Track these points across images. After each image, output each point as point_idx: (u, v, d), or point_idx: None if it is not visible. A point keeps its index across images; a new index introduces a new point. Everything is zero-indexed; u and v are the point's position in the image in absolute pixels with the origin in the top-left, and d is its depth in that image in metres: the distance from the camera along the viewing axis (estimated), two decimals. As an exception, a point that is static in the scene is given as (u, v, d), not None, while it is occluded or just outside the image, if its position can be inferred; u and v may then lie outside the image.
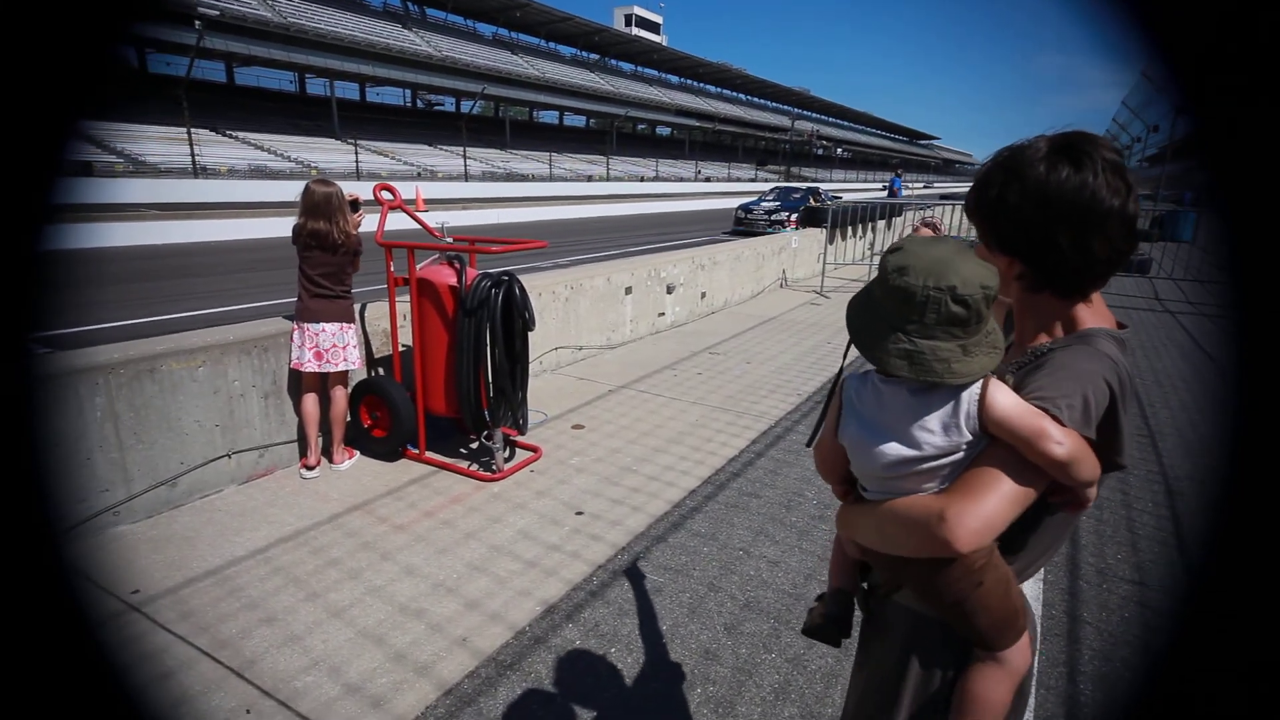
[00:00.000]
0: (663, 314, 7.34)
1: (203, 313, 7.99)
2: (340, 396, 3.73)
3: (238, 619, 2.56)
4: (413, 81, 48.01)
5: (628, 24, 71.35)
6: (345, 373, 3.72)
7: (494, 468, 3.77)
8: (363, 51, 43.56)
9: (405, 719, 2.13)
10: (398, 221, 4.18)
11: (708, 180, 56.58)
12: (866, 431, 1.01)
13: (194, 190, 24.68)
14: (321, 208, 3.47)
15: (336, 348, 3.59)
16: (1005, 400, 0.92)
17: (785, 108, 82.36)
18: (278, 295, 8.81)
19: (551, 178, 47.72)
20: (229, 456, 3.52)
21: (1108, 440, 0.92)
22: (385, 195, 3.92)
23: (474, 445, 4.19)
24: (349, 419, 3.87)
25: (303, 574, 2.85)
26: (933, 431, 0.95)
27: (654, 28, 74.50)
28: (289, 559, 2.95)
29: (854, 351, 1.05)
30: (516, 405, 3.80)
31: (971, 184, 1.10)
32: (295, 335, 3.57)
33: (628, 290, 6.62)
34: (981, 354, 0.91)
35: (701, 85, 72.51)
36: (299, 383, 3.68)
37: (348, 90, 50.21)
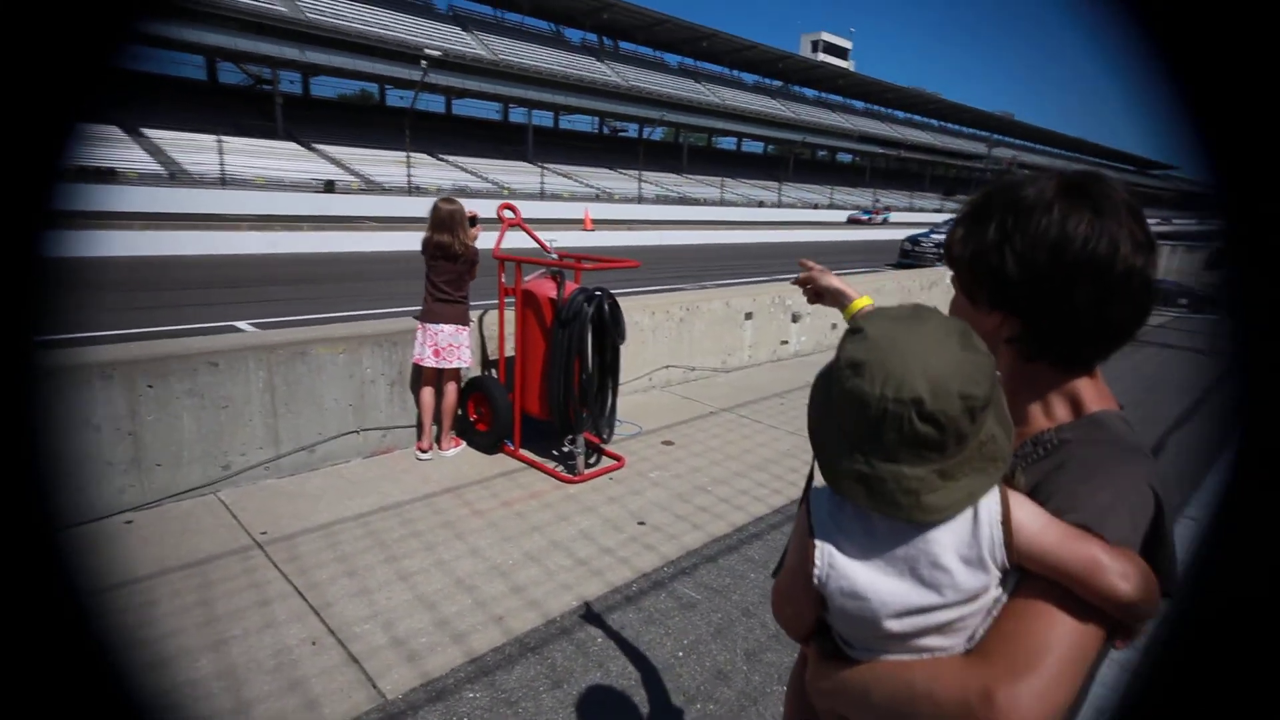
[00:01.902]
0: (786, 342, 7.26)
1: (399, 310, 9.22)
2: (452, 391, 4.20)
3: (329, 568, 3.02)
4: (600, 109, 51.13)
5: (814, 50, 70.55)
6: (458, 370, 4.18)
7: (575, 470, 4.03)
8: (559, 83, 47.25)
9: (430, 676, 2.41)
10: (516, 239, 4.62)
11: (888, 210, 53.94)
12: (852, 570, 0.75)
13: (406, 206, 28.25)
14: (446, 223, 3.97)
15: (453, 347, 4.06)
16: (1036, 524, 0.72)
17: (982, 133, 76.47)
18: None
19: (722, 202, 48.31)
20: (358, 433, 4.11)
21: (1150, 561, 0.73)
22: (507, 214, 4.36)
23: (565, 448, 4.49)
24: (459, 412, 4.34)
25: (389, 540, 3.28)
26: (948, 570, 0.71)
27: (841, 53, 72.97)
28: (382, 525, 3.41)
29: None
30: (599, 414, 4.03)
31: (951, 222, 0.93)
32: (419, 334, 4.08)
33: (748, 315, 6.65)
34: (969, 475, 0.70)
35: (889, 111, 69.68)
36: (419, 376, 4.20)
37: (543, 118, 54.67)
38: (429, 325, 4.05)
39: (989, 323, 0.84)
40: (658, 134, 56.35)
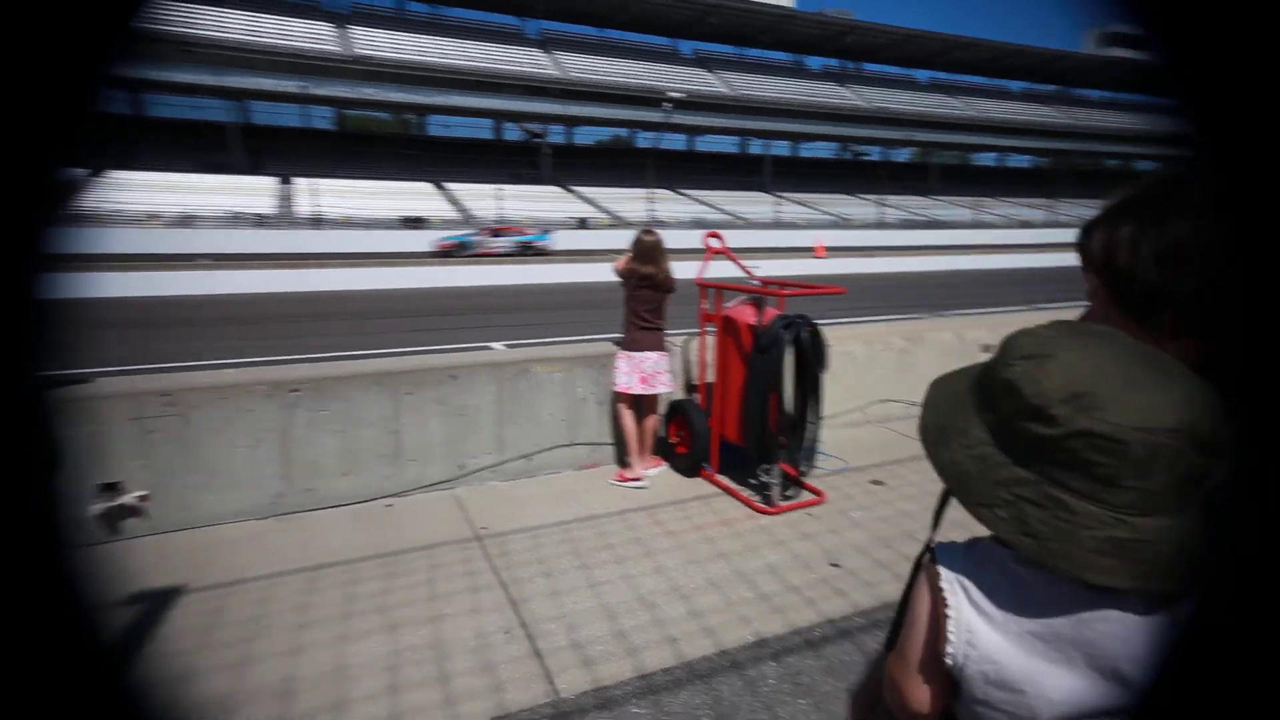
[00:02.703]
0: (1036, 379, 6.30)
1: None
2: (653, 414, 4.37)
3: (530, 567, 3.31)
4: (839, 135, 49.83)
5: (1104, 44, 61.13)
6: (658, 395, 4.33)
7: (770, 501, 3.92)
8: (797, 111, 47.14)
9: (601, 683, 2.51)
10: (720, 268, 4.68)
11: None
12: (1002, 652, 0.60)
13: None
14: (650, 253, 4.15)
15: (657, 373, 4.21)
16: None
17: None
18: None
19: (976, 224, 43.82)
20: (570, 446, 4.46)
21: None
22: (713, 242, 4.45)
23: (760, 478, 4.39)
24: (659, 434, 4.49)
25: (584, 549, 3.50)
26: (1143, 648, 0.57)
27: (1142, 44, 62.11)
28: (579, 534, 3.64)
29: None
30: (796, 445, 3.88)
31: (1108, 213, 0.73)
32: (623, 363, 4.24)
33: (984, 348, 5.92)
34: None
35: (1206, 105, 57.48)
36: (623, 399, 4.43)
37: (780, 148, 54.82)
38: (634, 353, 4.20)
39: (1181, 349, 0.64)
40: (903, 155, 53.15)
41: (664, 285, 4.17)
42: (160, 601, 2.92)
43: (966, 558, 0.65)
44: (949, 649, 0.63)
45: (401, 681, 2.48)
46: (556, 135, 48.86)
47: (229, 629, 2.76)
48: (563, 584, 3.16)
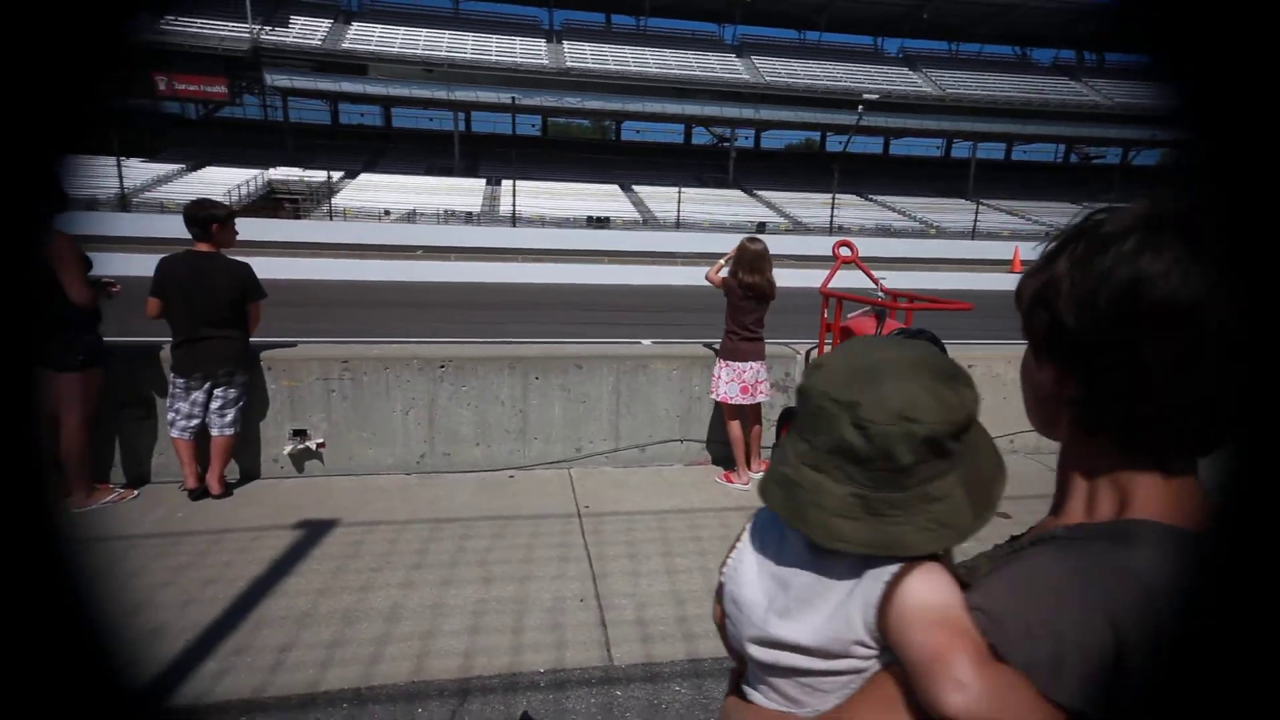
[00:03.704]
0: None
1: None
2: (757, 423, 4.38)
3: (618, 547, 3.54)
4: (1065, 135, 44.37)
5: None
6: (760, 405, 4.32)
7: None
8: (1015, 110, 42.75)
9: (653, 659, 2.67)
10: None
11: None
12: (745, 579, 0.73)
13: (818, 245, 29.27)
14: (756, 263, 4.13)
15: (758, 383, 4.22)
16: (923, 596, 0.60)
17: None
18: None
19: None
20: (681, 442, 4.63)
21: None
22: (843, 251, 4.36)
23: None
24: (769, 441, 4.50)
25: (672, 538, 3.66)
26: (818, 611, 0.65)
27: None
28: (671, 525, 3.81)
29: None
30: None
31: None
32: (723, 373, 4.21)
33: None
34: (900, 523, 0.62)
35: None
36: (725, 408, 4.45)
37: (992, 151, 50.01)
38: (734, 363, 4.18)
39: (1045, 378, 0.68)
40: (1145, 157, 46.00)
41: (769, 295, 4.16)
42: (320, 529, 3.57)
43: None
44: (722, 570, 0.77)
45: (482, 625, 2.84)
46: (747, 139, 48.93)
47: (362, 559, 3.32)
48: (643, 567, 3.35)
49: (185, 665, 2.54)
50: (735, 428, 4.33)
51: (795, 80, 41.97)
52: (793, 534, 0.68)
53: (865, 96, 34.23)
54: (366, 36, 41.08)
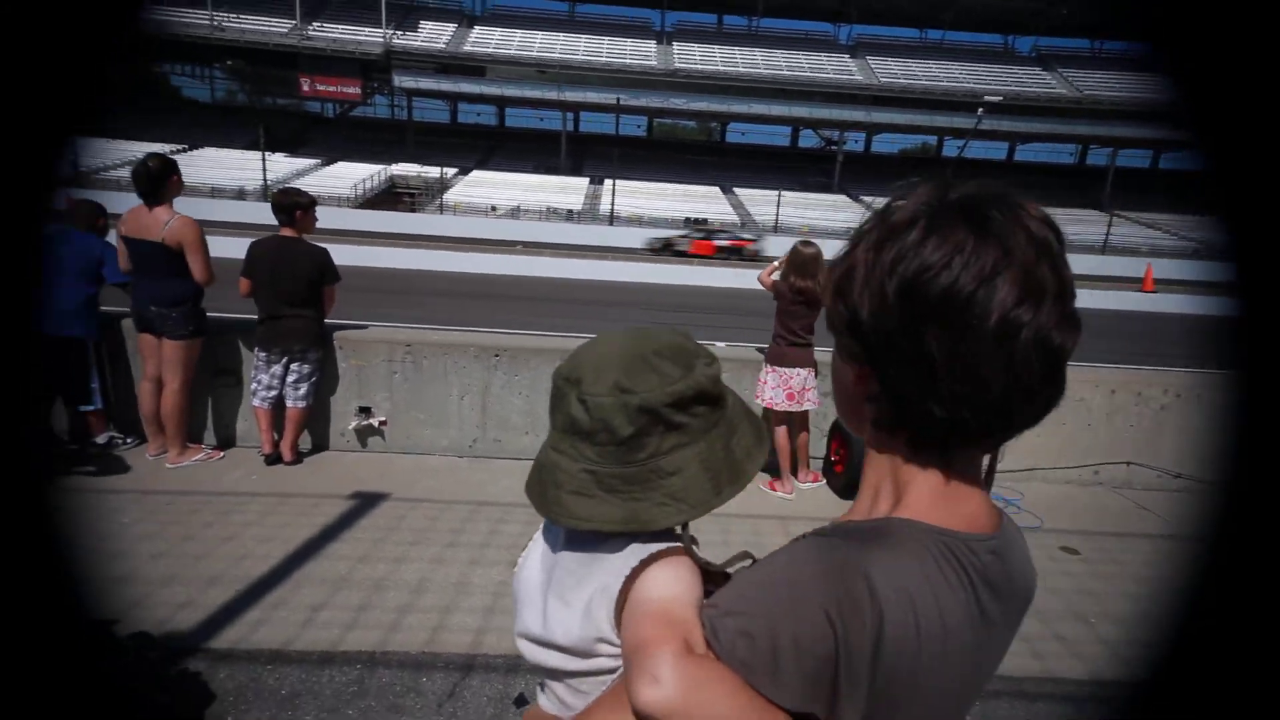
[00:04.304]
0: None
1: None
2: (804, 431, 4.23)
3: (646, 545, 3.54)
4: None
5: None
6: (807, 412, 4.16)
7: (917, 544, 3.58)
8: (1161, 115, 38.86)
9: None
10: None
11: None
12: (526, 574, 0.73)
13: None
14: (808, 266, 3.97)
15: (806, 390, 4.08)
16: (648, 589, 0.59)
17: None
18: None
19: None
20: (729, 446, 4.56)
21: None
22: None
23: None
24: (818, 452, 4.34)
25: (702, 539, 3.60)
26: (570, 606, 0.64)
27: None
28: (703, 525, 3.74)
29: None
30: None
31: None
32: (769, 378, 4.10)
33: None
34: (634, 500, 0.61)
35: None
36: (771, 414, 4.31)
37: (1136, 159, 45.83)
38: (782, 369, 4.06)
39: (848, 375, 0.66)
40: (1324, 168, 40.54)
41: (819, 300, 4.02)
42: (371, 501, 3.81)
43: None
44: (518, 562, 0.79)
45: (499, 606, 2.93)
46: (856, 143, 47.29)
47: (403, 532, 3.50)
48: (666, 567, 3.34)
49: (231, 612, 2.78)
50: (781, 434, 4.22)
51: (912, 81, 40.10)
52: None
53: (987, 98, 32.20)
54: (486, 39, 43.09)
